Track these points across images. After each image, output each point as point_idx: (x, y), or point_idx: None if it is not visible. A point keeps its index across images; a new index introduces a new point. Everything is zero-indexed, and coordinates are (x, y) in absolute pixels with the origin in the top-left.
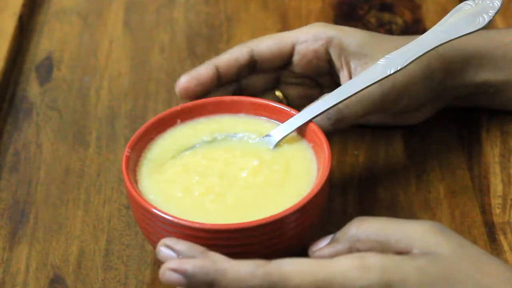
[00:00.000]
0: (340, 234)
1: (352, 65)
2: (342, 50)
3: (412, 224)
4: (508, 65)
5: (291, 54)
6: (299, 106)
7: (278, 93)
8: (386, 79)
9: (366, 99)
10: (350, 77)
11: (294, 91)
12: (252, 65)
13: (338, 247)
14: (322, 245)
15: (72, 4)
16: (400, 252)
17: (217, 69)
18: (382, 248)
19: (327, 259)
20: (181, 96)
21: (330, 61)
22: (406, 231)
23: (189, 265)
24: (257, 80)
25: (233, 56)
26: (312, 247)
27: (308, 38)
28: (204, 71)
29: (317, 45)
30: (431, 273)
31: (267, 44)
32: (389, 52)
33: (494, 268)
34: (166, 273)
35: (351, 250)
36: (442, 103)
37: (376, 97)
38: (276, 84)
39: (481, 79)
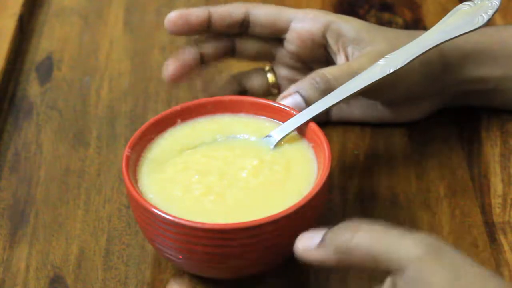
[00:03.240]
0: (332, 235)
1: (349, 50)
2: (340, 35)
3: (409, 241)
4: (506, 61)
5: (285, 28)
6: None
7: (271, 78)
8: None
9: None
10: (347, 61)
11: (286, 73)
12: (245, 26)
13: (326, 255)
14: (311, 245)
15: (72, 4)
16: (391, 271)
17: (209, 16)
18: (374, 261)
19: None
20: (168, 30)
21: (325, 47)
22: (400, 252)
23: None
24: (251, 45)
25: (229, 10)
26: (300, 241)
27: (306, 18)
28: (195, 12)
29: (314, 27)
30: None
31: (265, 11)
32: (387, 39)
33: None
34: None
35: (338, 263)
36: (441, 100)
37: None
38: (269, 57)
39: (479, 74)
